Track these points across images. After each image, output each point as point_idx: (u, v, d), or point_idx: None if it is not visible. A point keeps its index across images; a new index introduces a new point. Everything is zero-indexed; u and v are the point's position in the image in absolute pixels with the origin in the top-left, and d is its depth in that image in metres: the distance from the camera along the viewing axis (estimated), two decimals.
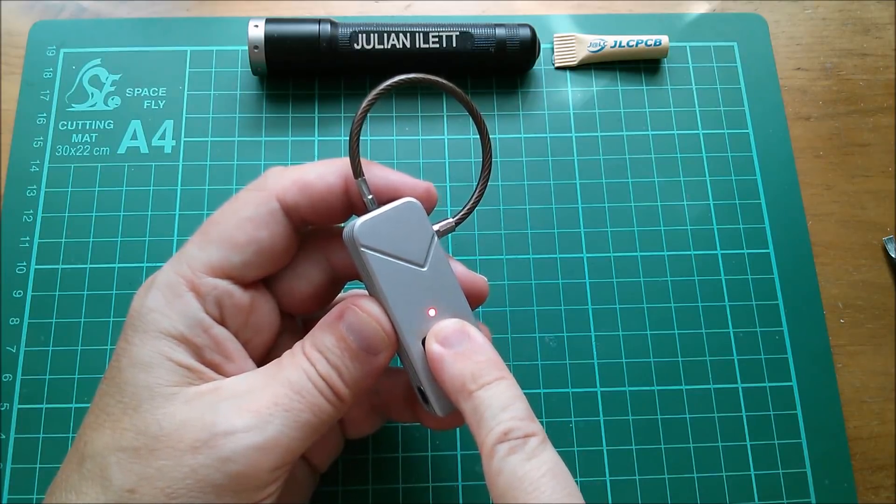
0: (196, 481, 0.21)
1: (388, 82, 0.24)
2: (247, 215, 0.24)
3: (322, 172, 0.25)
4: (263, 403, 0.22)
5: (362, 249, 0.23)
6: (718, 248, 0.36)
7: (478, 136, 0.26)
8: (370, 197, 0.24)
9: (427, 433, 0.33)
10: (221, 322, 0.24)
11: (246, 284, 0.25)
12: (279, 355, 0.24)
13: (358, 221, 0.24)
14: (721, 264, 0.36)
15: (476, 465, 0.33)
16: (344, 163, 0.25)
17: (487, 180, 0.26)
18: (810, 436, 0.34)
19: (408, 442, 0.33)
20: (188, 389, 0.23)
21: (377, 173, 0.25)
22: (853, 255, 0.37)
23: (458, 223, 0.26)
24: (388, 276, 0.24)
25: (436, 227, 0.25)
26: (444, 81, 0.25)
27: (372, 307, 0.24)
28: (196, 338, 0.23)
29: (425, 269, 0.24)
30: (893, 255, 0.37)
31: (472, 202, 0.26)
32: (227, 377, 0.24)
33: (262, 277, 0.25)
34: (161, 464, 0.21)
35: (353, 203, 0.25)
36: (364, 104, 0.24)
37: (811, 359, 0.35)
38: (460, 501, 0.32)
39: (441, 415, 0.25)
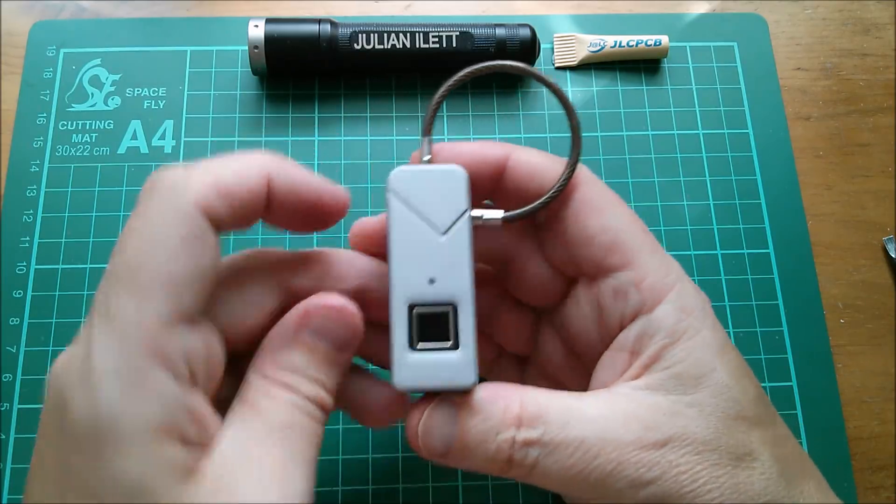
0: None
1: (490, 64, 0.25)
2: (176, 240, 0.19)
3: (242, 175, 0.21)
4: (277, 473, 0.20)
5: (389, 193, 0.23)
6: (718, 248, 0.37)
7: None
8: (427, 158, 0.24)
9: None
10: (195, 379, 0.20)
11: (193, 322, 0.20)
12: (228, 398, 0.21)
13: (397, 168, 0.23)
14: (721, 264, 0.36)
15: None
16: (265, 160, 0.22)
17: (565, 186, 0.24)
18: (810, 436, 0.34)
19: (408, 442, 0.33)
20: (192, 493, 0.18)
21: (447, 145, 0.25)
22: (853, 255, 0.37)
23: (505, 221, 0.24)
24: (402, 227, 0.23)
25: (479, 213, 0.24)
26: (543, 75, 0.25)
27: (330, 298, 0.22)
28: (179, 422, 0.19)
29: (443, 238, 0.23)
30: (893, 255, 0.37)
31: (533, 207, 0.25)
32: (207, 448, 0.20)
33: (209, 301, 0.21)
34: None
35: (273, 209, 0.22)
36: (462, 74, 0.25)
37: (811, 359, 0.35)
38: (460, 501, 0.32)
39: (397, 386, 0.22)
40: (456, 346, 0.23)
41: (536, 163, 0.25)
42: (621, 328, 0.24)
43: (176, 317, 0.19)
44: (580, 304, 0.26)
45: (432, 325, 0.23)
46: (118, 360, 0.18)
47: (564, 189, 0.24)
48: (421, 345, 0.22)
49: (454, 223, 0.23)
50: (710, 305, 0.24)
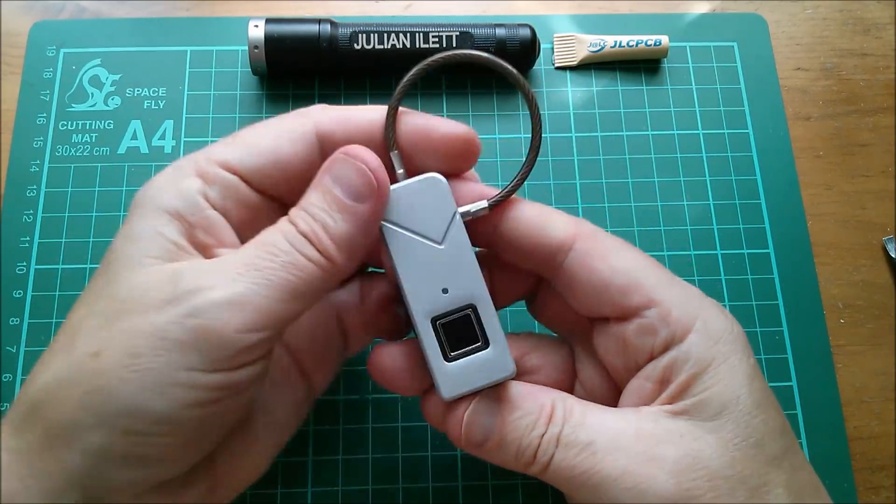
0: (159, 339, 0.21)
1: (438, 56, 0.25)
2: (278, 129, 0.24)
3: (366, 109, 0.25)
4: (234, 265, 0.22)
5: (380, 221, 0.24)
6: (718, 248, 0.36)
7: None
8: (401, 171, 0.24)
9: (427, 434, 0.33)
10: (222, 212, 0.24)
11: (260, 190, 0.24)
12: None
13: None
14: (721, 264, 0.36)
15: (477, 464, 0.33)
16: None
17: (532, 164, 0.25)
18: (810, 436, 0.34)
19: (408, 442, 0.33)
20: (168, 263, 0.22)
21: (408, 121, 0.25)
22: (853, 255, 0.37)
23: (492, 207, 0.25)
24: (402, 250, 0.24)
25: (465, 209, 0.24)
26: (496, 59, 0.25)
27: (361, 151, 0.23)
28: (190, 216, 0.23)
29: (442, 246, 0.24)
30: (893, 255, 0.37)
31: (511, 186, 0.25)
32: (208, 251, 0.24)
33: (275, 190, 0.25)
34: (126, 325, 0.21)
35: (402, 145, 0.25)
36: (407, 78, 0.24)
37: (811, 359, 0.35)
38: (460, 501, 0.32)
39: (445, 398, 0.24)
40: (486, 344, 0.24)
41: (535, 213, 0.25)
42: (651, 359, 0.24)
43: (234, 165, 0.24)
44: (608, 339, 0.26)
45: (459, 331, 0.24)
46: (180, 162, 0.24)
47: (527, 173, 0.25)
48: (454, 353, 0.24)
49: (448, 229, 0.24)
50: (738, 327, 0.24)
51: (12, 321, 0.34)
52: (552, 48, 0.40)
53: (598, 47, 0.40)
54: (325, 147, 0.24)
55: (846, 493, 0.33)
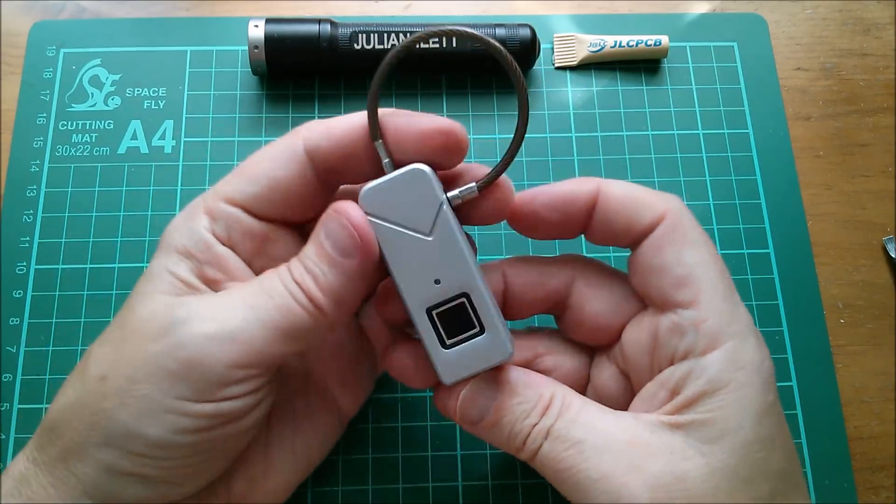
0: (152, 367, 0.22)
1: (416, 35, 0.24)
2: (270, 153, 0.25)
3: (349, 117, 0.25)
4: (231, 301, 0.23)
5: (366, 216, 0.24)
6: (718, 248, 0.36)
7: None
8: (387, 161, 0.24)
9: (427, 434, 0.33)
10: (230, 245, 0.25)
11: (262, 217, 0.25)
12: None
13: (363, 188, 0.24)
14: None
15: (478, 464, 0.33)
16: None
17: (520, 142, 0.25)
18: (810, 436, 0.34)
19: (408, 442, 0.33)
20: (175, 297, 0.23)
21: (392, 124, 0.24)
22: (853, 255, 0.37)
23: (482, 189, 0.24)
24: (392, 245, 0.24)
25: (453, 193, 0.24)
26: (479, 34, 0.24)
27: (348, 208, 0.23)
28: (199, 253, 0.24)
29: (431, 238, 0.24)
30: (893, 255, 0.37)
31: (500, 166, 0.25)
32: (217, 286, 0.24)
33: (277, 214, 0.25)
34: (128, 351, 0.22)
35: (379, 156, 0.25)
36: (387, 59, 0.24)
37: (811, 359, 0.35)
38: (460, 501, 0.32)
39: (447, 383, 0.24)
40: (482, 329, 0.24)
41: (626, 193, 0.25)
42: (671, 364, 0.24)
43: (235, 198, 0.24)
44: (640, 331, 0.25)
45: (454, 319, 0.24)
46: (193, 203, 0.25)
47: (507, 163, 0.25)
48: (451, 340, 0.24)
49: (435, 219, 0.24)
50: (770, 363, 0.24)
51: (12, 321, 0.34)
52: (552, 48, 0.40)
53: (598, 47, 0.40)
54: (315, 161, 0.24)
55: (846, 493, 0.33)
